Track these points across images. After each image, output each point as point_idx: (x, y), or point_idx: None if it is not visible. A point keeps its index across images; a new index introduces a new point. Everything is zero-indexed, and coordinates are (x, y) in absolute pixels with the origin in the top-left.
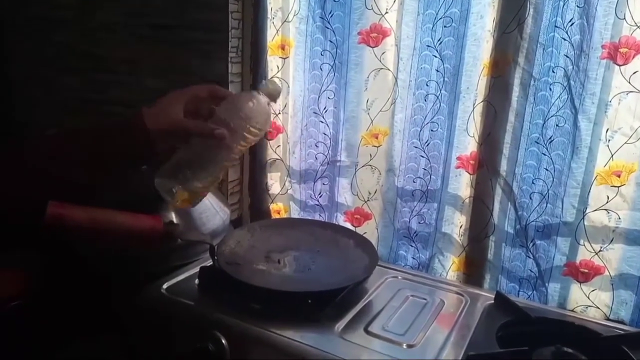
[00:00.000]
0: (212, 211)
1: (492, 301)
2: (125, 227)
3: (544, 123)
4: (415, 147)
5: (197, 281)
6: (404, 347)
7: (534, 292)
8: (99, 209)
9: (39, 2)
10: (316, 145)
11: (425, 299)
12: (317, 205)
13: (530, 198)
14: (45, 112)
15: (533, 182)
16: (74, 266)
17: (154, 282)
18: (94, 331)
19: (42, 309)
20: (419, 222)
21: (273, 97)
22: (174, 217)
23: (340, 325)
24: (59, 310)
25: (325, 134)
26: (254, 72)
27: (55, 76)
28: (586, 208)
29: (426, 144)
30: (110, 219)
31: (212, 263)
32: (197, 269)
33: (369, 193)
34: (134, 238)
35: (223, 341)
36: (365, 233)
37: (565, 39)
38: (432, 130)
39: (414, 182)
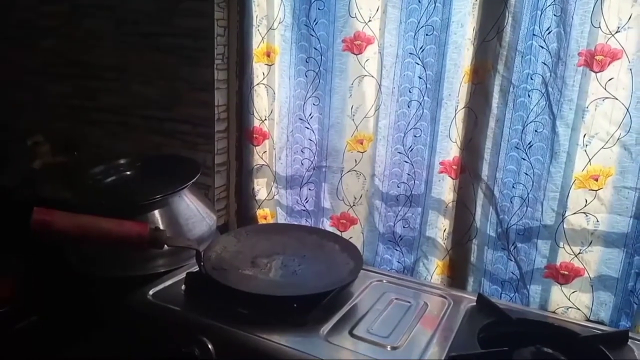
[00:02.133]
0: (198, 217)
1: (475, 303)
2: (111, 233)
3: (523, 129)
4: (399, 153)
5: (183, 287)
6: (388, 349)
7: (516, 294)
8: (85, 216)
9: (27, 9)
10: (302, 151)
11: (409, 302)
12: (304, 210)
13: (511, 202)
14: (33, 117)
15: (513, 187)
16: (61, 271)
17: (140, 288)
18: (82, 335)
19: (29, 315)
20: (404, 227)
21: None
22: (160, 223)
23: (325, 328)
24: (46, 316)
25: (310, 140)
26: (240, 79)
27: (43, 82)
28: (565, 211)
29: (410, 149)
30: (96, 225)
31: (198, 269)
32: (183, 275)
33: (355, 198)
34: (120, 244)
35: (209, 346)
36: (351, 237)
37: (543, 47)
38: (415, 136)
39: (398, 187)
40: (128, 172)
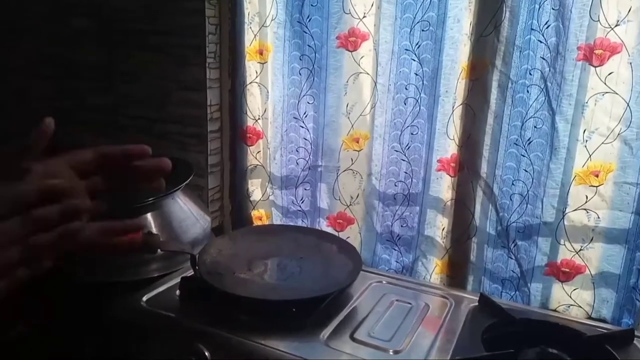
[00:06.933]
0: (192, 219)
1: (476, 303)
2: None
3: (522, 125)
4: (396, 151)
5: (178, 292)
6: (391, 353)
7: (517, 292)
8: None
9: (7, 8)
10: (297, 151)
11: (410, 303)
12: (299, 210)
13: (511, 199)
14: (17, 120)
15: (513, 184)
16: (51, 276)
17: (133, 293)
18: (74, 343)
19: (17, 322)
20: (402, 226)
21: None
22: (153, 227)
23: (325, 332)
24: (36, 322)
25: (305, 139)
26: (233, 78)
27: (27, 84)
28: (566, 208)
29: (407, 147)
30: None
31: (193, 273)
32: (178, 279)
33: (351, 197)
34: (110, 249)
35: (206, 353)
36: (348, 238)
37: (541, 42)
38: (412, 134)
39: (395, 185)
40: None
